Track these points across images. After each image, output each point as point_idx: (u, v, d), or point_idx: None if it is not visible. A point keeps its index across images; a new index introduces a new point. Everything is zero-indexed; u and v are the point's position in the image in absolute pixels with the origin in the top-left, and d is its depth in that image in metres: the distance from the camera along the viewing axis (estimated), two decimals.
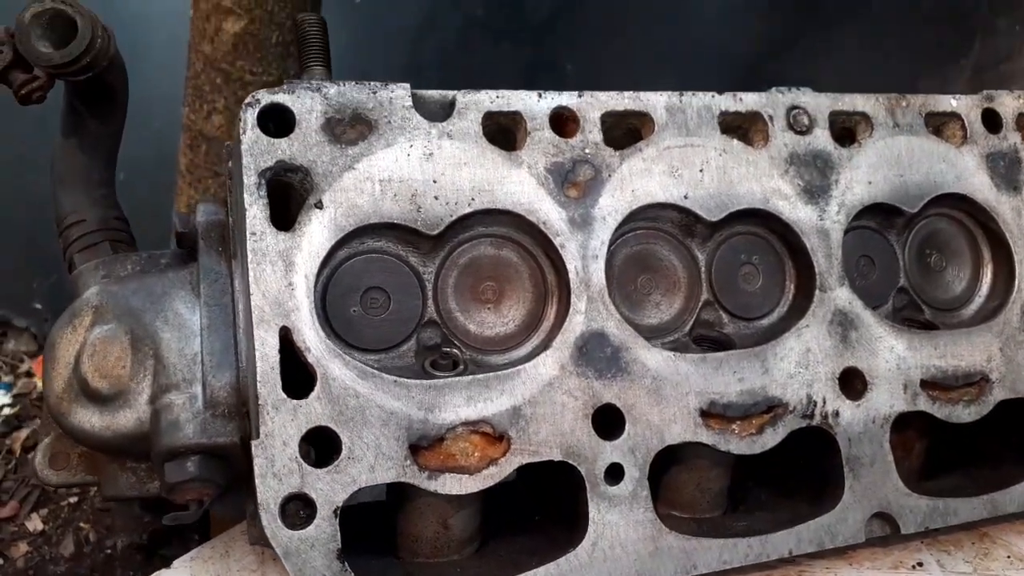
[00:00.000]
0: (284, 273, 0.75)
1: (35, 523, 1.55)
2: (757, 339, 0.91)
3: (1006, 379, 0.96)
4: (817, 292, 0.91)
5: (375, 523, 0.88)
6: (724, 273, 0.93)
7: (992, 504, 0.94)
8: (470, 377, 0.78)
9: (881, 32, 2.25)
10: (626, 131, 0.92)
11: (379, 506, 0.91)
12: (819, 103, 0.96)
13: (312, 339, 0.75)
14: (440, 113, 0.84)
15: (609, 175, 0.87)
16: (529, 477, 0.94)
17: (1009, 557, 0.98)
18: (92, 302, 0.85)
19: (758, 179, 0.92)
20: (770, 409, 0.87)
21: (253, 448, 0.71)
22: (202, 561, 0.91)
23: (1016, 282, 0.99)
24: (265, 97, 0.79)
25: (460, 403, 0.77)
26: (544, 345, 0.83)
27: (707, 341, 0.91)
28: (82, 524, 1.53)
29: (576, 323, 0.83)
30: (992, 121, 1.03)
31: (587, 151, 0.87)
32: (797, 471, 0.95)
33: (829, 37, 2.35)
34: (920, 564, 0.96)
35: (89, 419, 0.83)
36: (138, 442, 0.81)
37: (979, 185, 1.00)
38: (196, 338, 0.83)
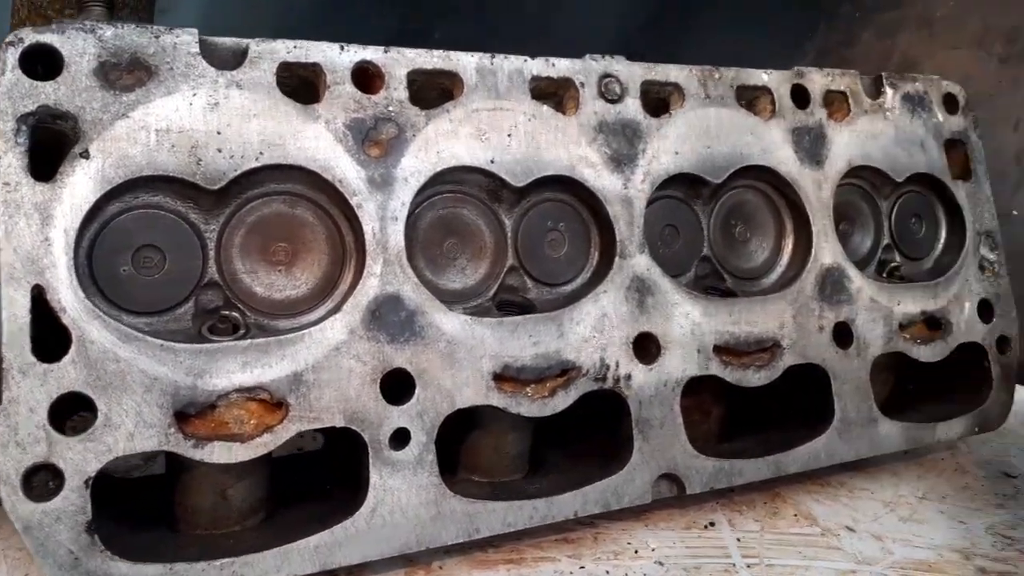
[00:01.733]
0: (40, 227, 0.70)
1: None
2: (559, 304, 0.92)
3: (796, 345, 1.01)
4: (617, 259, 0.93)
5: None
6: (530, 239, 0.93)
7: (776, 465, 1.00)
8: (247, 342, 0.76)
9: (742, 16, 2.32)
10: (440, 92, 0.90)
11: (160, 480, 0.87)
12: (632, 72, 0.97)
13: (69, 299, 0.70)
14: (231, 61, 0.79)
15: (414, 135, 0.85)
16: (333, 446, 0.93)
17: (796, 516, 1.04)
18: None
19: (566, 146, 0.92)
20: (564, 372, 0.88)
21: None
22: None
23: (812, 252, 1.04)
24: (29, 36, 0.72)
25: (234, 369, 0.75)
26: (335, 309, 0.81)
27: (511, 306, 0.92)
28: None
29: (370, 286, 0.81)
30: (801, 96, 1.07)
31: (391, 109, 0.84)
32: (592, 435, 0.98)
33: (699, 17, 2.40)
34: (712, 524, 1.01)
35: None
36: None
37: (783, 158, 1.04)
38: None
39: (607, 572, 0.90)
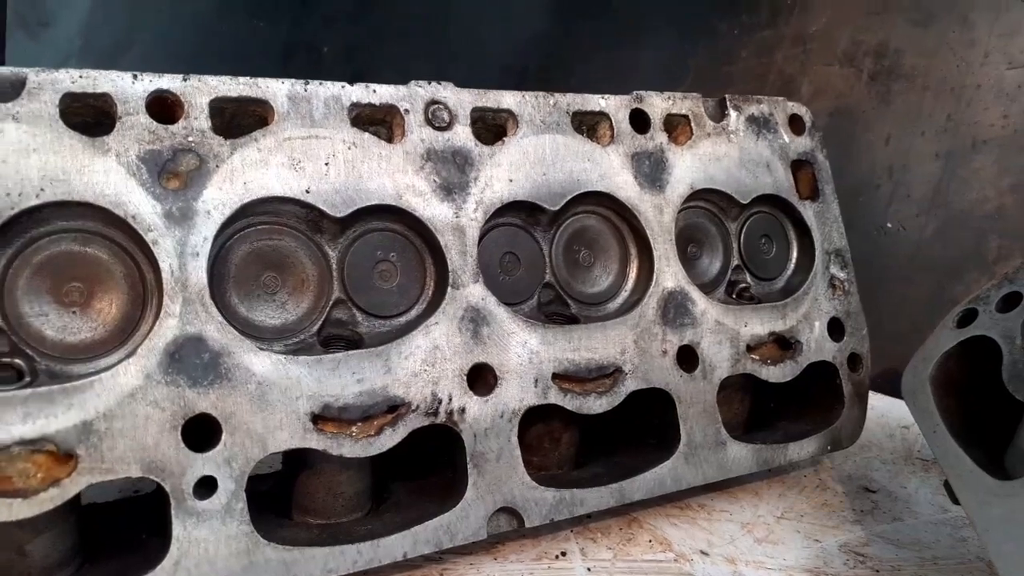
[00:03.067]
0: None
1: None
2: (393, 337, 0.89)
3: (639, 370, 1.00)
4: (450, 289, 0.90)
5: None
6: (358, 270, 0.90)
7: (620, 492, 0.98)
8: (28, 391, 0.70)
9: (629, 37, 2.35)
10: (256, 120, 0.86)
11: None
12: (461, 99, 0.95)
13: None
14: (8, 93, 0.74)
15: (217, 165, 0.81)
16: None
17: (651, 541, 1.03)
18: None
19: (391, 175, 0.89)
20: (392, 409, 0.85)
21: None
22: None
23: (655, 276, 1.03)
24: None
25: (14, 420, 0.69)
26: (130, 352, 0.76)
27: (339, 340, 0.88)
28: None
29: (168, 327, 0.76)
30: (640, 121, 1.07)
31: (191, 139, 0.80)
32: (435, 470, 0.95)
33: (588, 36, 2.41)
34: (564, 553, 0.99)
35: None
36: None
37: (622, 183, 1.04)
38: None
39: None
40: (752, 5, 2.07)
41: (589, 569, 0.96)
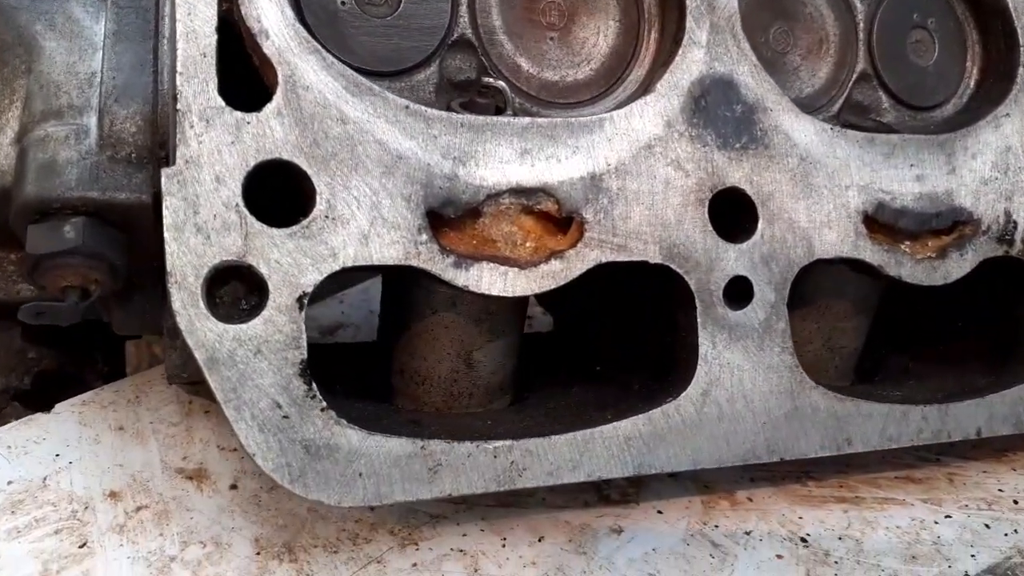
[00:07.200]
0: None
1: None
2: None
3: None
4: (1020, 70, 0.62)
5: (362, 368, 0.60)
6: (889, 35, 0.64)
7: None
8: (527, 120, 0.49)
9: None
10: None
11: (366, 348, 0.63)
12: None
13: (273, 18, 0.44)
14: None
15: None
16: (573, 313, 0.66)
17: None
18: None
19: None
20: (954, 226, 0.59)
21: (164, 181, 0.41)
22: (99, 407, 0.62)
23: None
24: None
25: (509, 157, 0.48)
26: (643, 89, 0.53)
27: (859, 131, 0.62)
28: None
29: (693, 60, 0.53)
30: None
31: None
32: (958, 331, 0.68)
33: None
34: None
35: None
36: None
37: None
38: (96, 52, 0.54)
39: (986, 526, 0.61)
40: None
41: None
